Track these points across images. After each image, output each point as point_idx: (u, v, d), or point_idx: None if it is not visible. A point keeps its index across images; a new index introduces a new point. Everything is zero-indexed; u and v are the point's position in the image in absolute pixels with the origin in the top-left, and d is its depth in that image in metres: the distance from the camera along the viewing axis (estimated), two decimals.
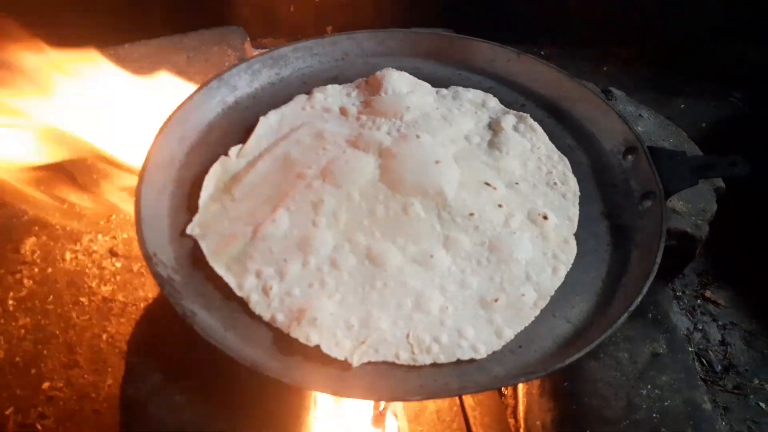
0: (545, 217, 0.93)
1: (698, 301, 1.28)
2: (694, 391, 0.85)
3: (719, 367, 1.16)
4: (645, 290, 0.80)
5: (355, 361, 0.77)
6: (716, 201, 1.12)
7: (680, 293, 1.29)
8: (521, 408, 0.99)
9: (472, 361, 0.78)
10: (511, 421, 1.06)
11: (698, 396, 0.85)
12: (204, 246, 0.88)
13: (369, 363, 0.77)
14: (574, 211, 0.96)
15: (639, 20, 1.82)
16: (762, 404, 1.13)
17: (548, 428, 0.90)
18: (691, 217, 1.08)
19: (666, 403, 0.83)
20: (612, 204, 0.98)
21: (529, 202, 0.96)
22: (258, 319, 0.81)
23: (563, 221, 0.94)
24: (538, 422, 0.93)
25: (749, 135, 1.61)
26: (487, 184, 0.96)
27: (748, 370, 1.17)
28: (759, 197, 1.36)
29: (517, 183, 0.97)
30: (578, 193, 0.99)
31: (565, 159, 1.04)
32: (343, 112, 1.09)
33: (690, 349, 1.15)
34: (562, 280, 0.87)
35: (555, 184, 0.99)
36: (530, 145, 1.05)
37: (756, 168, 0.96)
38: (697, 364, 1.16)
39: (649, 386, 0.85)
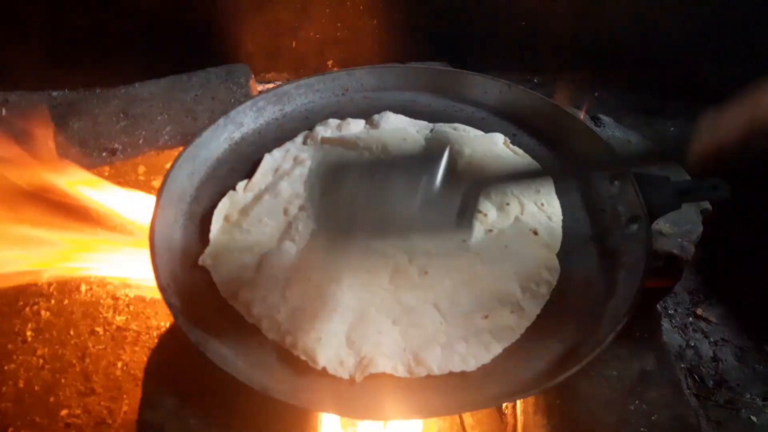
0: (535, 233, 0.98)
1: (690, 318, 1.32)
2: (682, 406, 0.89)
3: (711, 383, 1.20)
4: (631, 310, 0.84)
5: (358, 377, 0.81)
6: (703, 222, 1.17)
7: (672, 311, 1.32)
8: (519, 426, 1.03)
9: (468, 380, 0.82)
10: None
11: (685, 410, 0.89)
12: (216, 276, 0.93)
13: (372, 381, 0.82)
14: (559, 233, 1.00)
15: (628, 44, 1.87)
16: (753, 418, 1.16)
17: None
18: (677, 239, 1.12)
19: (653, 418, 0.87)
20: (600, 228, 1.02)
21: (520, 222, 1.00)
22: (267, 344, 0.85)
23: (551, 239, 0.98)
24: None
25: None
26: (479, 211, 1.01)
27: (740, 385, 1.21)
28: (747, 217, 1.40)
29: (508, 204, 1.01)
30: (561, 216, 1.03)
31: (550, 177, 1.09)
32: (342, 143, 1.13)
33: (682, 365, 1.19)
34: (547, 298, 0.91)
35: (542, 205, 1.03)
36: (520, 159, 1.10)
37: (744, 188, 1.00)
38: (689, 380, 1.19)
39: (637, 401, 0.89)
